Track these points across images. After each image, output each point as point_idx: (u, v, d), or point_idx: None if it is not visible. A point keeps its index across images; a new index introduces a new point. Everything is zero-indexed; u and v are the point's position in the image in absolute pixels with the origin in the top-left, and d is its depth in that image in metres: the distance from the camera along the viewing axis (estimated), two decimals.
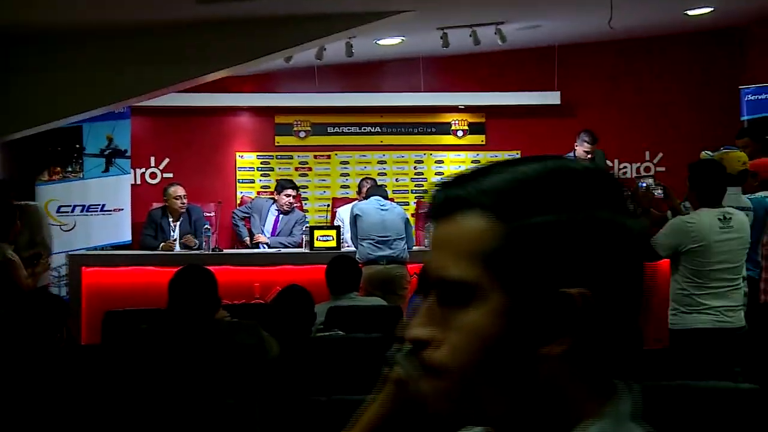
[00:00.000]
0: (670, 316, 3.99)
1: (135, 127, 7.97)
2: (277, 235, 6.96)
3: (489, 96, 8.48)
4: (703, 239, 3.84)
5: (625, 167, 8.73)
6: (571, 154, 7.23)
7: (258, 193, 8.43)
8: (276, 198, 7.12)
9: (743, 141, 6.87)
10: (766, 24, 8.07)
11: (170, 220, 6.85)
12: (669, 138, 7.43)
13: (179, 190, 6.89)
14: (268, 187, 8.33)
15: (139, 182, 8.28)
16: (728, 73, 8.48)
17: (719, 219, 3.88)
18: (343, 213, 7.04)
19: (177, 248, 6.62)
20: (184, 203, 6.87)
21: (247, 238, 7.10)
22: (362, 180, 7.26)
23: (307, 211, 8.36)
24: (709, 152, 6.32)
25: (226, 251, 6.73)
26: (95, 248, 7.51)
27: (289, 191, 7.01)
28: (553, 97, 8.42)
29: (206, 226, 6.52)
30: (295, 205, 7.13)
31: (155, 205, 7.30)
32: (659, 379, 2.86)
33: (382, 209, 6.19)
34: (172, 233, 6.85)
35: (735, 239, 3.90)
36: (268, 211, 7.06)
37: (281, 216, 7.05)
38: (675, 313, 3.96)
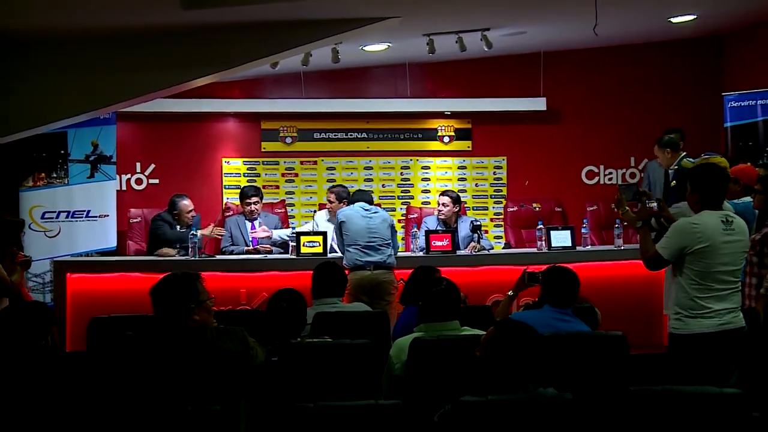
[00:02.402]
0: (672, 320, 3.97)
1: (120, 133, 7.94)
2: (261, 240, 6.99)
3: (475, 102, 8.50)
4: (709, 240, 3.86)
5: (610, 173, 8.77)
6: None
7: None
8: (241, 206, 7.18)
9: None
10: (748, 31, 8.14)
11: (178, 228, 6.91)
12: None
13: (190, 204, 7.00)
14: None
15: (124, 188, 8.24)
16: (711, 79, 8.55)
17: (722, 221, 3.91)
18: (318, 217, 7.05)
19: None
20: (194, 215, 7.02)
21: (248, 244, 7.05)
22: (332, 187, 7.15)
23: (293, 216, 8.36)
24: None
25: (211, 257, 6.69)
26: (80, 254, 7.47)
27: (249, 200, 7.08)
28: (538, 103, 8.46)
29: (192, 232, 6.50)
30: (260, 210, 7.13)
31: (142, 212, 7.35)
32: (661, 385, 2.86)
33: (366, 215, 6.18)
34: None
35: (737, 242, 3.93)
36: (244, 223, 7.08)
37: (255, 223, 7.08)
38: (678, 318, 3.93)
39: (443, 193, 7.09)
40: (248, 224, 7.09)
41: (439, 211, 6.97)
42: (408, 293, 4.68)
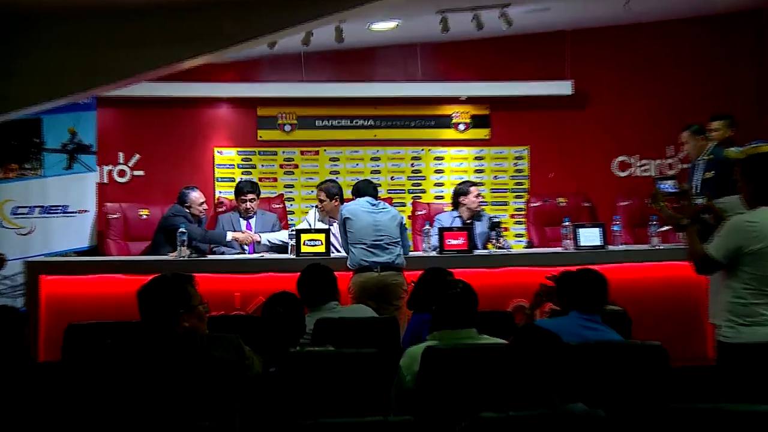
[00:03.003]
0: (723, 328, 3.93)
1: (101, 120, 7.93)
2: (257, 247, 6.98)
3: (493, 86, 8.50)
4: (767, 239, 3.82)
5: (645, 164, 8.73)
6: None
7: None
8: (236, 203, 7.20)
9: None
10: None
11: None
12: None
13: (201, 196, 7.06)
14: None
15: (106, 181, 8.25)
16: (755, 57, 8.50)
17: None
18: (309, 217, 7.03)
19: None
20: (206, 208, 7.10)
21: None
22: (321, 184, 7.11)
23: (292, 212, 8.35)
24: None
25: (201, 258, 6.68)
26: (56, 254, 7.47)
27: (245, 196, 7.10)
28: (564, 87, 8.45)
29: (181, 229, 6.46)
30: (256, 208, 7.14)
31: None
32: (707, 401, 2.82)
33: (373, 211, 6.15)
34: None
35: None
36: (238, 221, 7.08)
37: (251, 221, 7.08)
38: (731, 326, 3.89)
39: (473, 184, 7.24)
40: (243, 223, 7.08)
41: (459, 206, 7.08)
42: (416, 298, 4.65)
